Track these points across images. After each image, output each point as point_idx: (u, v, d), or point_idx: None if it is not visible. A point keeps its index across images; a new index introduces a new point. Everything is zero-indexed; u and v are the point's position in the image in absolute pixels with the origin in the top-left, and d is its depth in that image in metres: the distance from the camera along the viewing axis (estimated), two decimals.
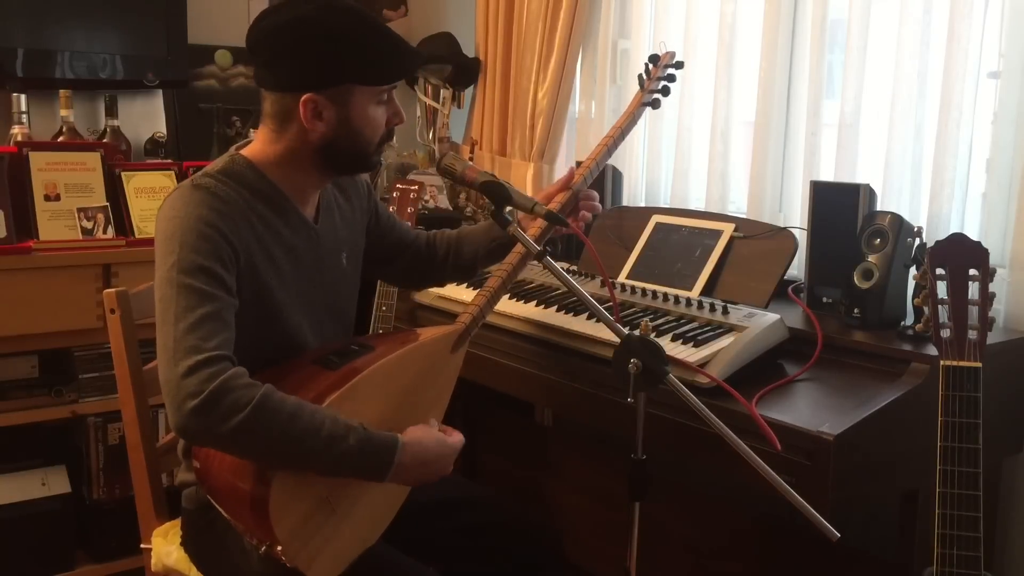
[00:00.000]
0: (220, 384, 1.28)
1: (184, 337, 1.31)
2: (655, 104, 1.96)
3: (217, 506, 1.45)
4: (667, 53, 1.99)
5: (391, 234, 1.83)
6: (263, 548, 1.39)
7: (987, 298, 1.37)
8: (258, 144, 1.54)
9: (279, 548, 1.34)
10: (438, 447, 1.46)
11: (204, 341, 1.31)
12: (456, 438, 1.50)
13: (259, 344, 1.46)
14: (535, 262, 1.56)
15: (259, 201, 1.50)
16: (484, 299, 1.63)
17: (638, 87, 1.99)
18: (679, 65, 1.98)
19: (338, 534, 1.40)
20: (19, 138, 2.53)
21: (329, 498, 1.38)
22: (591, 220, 1.84)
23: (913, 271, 1.79)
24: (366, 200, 1.76)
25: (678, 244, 2.09)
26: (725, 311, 1.78)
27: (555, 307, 1.98)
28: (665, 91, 1.97)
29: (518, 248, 1.64)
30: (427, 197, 2.86)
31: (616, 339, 1.46)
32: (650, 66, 1.98)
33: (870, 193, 1.90)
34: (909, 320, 1.79)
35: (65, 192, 2.41)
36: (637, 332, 1.45)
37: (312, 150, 1.50)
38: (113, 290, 1.70)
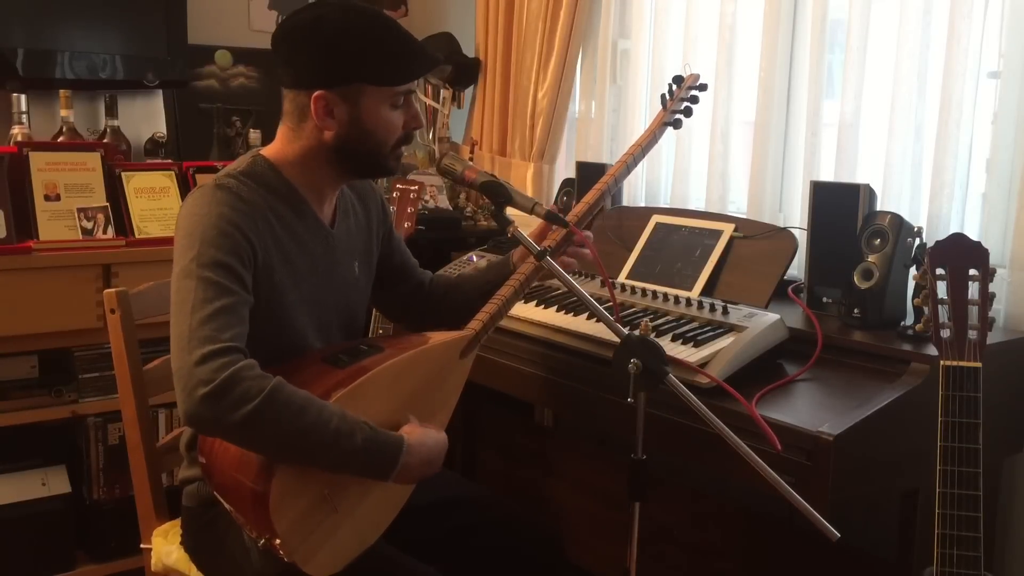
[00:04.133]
0: (232, 373, 1.29)
1: (200, 327, 1.33)
2: (676, 124, 1.95)
3: (220, 499, 1.46)
4: (692, 75, 1.97)
5: (399, 257, 1.83)
6: (262, 541, 1.39)
7: (987, 298, 1.36)
8: (277, 143, 1.56)
9: (278, 542, 1.35)
10: (438, 447, 1.47)
11: (219, 332, 1.33)
12: (444, 436, 1.51)
13: (264, 343, 1.46)
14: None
15: (278, 201, 1.52)
16: (495, 307, 1.62)
17: (660, 107, 1.96)
18: (703, 87, 1.97)
19: (338, 532, 1.41)
20: (19, 138, 2.53)
21: (330, 496, 1.39)
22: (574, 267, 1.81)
23: (913, 271, 1.78)
24: (382, 212, 1.77)
25: (678, 244, 2.09)
26: (725, 311, 1.78)
27: (555, 307, 1.98)
28: (688, 112, 1.96)
29: (530, 260, 1.64)
30: (427, 197, 2.86)
31: (616, 339, 1.46)
32: (674, 87, 1.96)
33: (870, 193, 1.90)
34: (909, 320, 1.79)
35: (65, 192, 2.41)
36: (637, 332, 1.45)
37: (328, 150, 1.52)
38: (113, 290, 1.70)
